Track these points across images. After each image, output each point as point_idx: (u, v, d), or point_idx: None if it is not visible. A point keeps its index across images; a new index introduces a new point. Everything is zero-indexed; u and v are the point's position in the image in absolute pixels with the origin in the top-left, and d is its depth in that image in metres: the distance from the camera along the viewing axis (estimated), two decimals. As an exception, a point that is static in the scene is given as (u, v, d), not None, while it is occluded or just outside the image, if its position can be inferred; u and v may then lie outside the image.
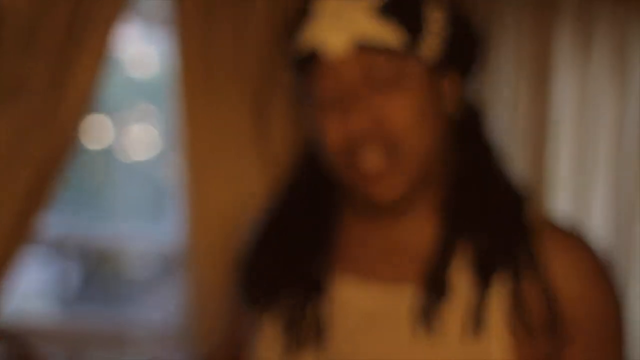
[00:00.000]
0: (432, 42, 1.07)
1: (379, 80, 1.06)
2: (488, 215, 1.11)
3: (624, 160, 2.39)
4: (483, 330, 1.02)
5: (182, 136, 2.05)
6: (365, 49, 1.05)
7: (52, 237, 2.28)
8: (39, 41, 1.88)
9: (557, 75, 2.39)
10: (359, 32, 1.04)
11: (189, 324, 2.11)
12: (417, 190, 1.12)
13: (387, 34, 1.04)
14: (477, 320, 1.02)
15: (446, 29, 1.09)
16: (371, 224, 1.18)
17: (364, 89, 1.07)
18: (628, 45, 2.42)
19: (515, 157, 2.26)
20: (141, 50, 2.49)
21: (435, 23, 1.08)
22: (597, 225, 2.38)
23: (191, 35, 2.03)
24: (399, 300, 1.08)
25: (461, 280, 1.07)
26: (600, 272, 1.10)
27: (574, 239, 1.12)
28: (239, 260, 1.29)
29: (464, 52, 1.14)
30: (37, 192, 1.88)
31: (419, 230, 1.14)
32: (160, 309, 2.39)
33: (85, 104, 1.93)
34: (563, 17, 2.40)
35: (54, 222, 2.18)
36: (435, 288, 1.06)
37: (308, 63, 1.10)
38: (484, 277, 1.05)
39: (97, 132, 2.45)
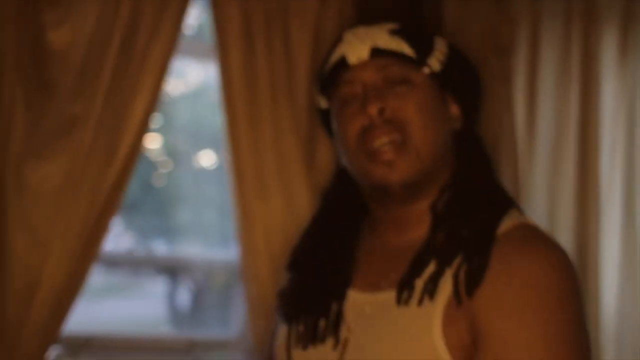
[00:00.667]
0: (436, 61, 1.23)
1: (392, 79, 1.27)
2: (464, 215, 1.24)
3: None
4: (434, 297, 1.18)
5: (232, 161, 2.16)
6: (380, 55, 1.27)
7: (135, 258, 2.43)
8: (91, 81, 2.01)
9: (604, 80, 2.43)
10: (376, 42, 1.27)
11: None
12: (422, 186, 1.27)
13: (397, 45, 1.27)
14: (431, 290, 1.17)
15: (448, 57, 1.32)
16: (377, 241, 1.36)
17: (380, 84, 1.27)
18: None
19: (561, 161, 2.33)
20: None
21: (439, 50, 1.31)
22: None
23: (234, 66, 2.15)
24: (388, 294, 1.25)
25: (431, 266, 1.22)
26: (540, 279, 1.16)
27: (531, 244, 1.21)
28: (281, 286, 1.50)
29: (461, 81, 1.32)
30: (98, 222, 2.01)
31: (414, 236, 1.28)
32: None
33: (140, 137, 2.07)
34: (608, 22, 2.44)
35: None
36: (413, 270, 1.22)
37: (336, 72, 1.31)
38: (443, 262, 1.20)
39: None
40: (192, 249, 2.65)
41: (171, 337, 2.39)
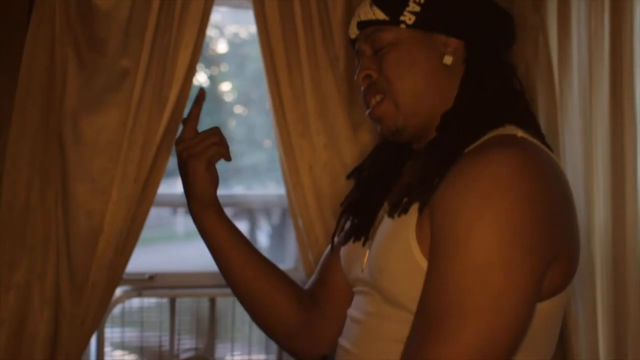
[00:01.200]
0: (409, 15, 1.39)
1: (378, 46, 1.39)
2: (447, 139, 1.34)
3: None
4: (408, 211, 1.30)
5: (273, 103, 2.28)
6: (364, 27, 1.41)
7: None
8: (136, 37, 2.13)
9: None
10: (360, 16, 1.42)
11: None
12: (421, 125, 1.39)
13: (373, 14, 1.41)
14: (405, 203, 1.31)
15: (423, 4, 1.39)
16: (408, 168, 1.49)
17: (370, 52, 1.41)
18: None
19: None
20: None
21: (414, 2, 1.39)
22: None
23: (270, 13, 2.26)
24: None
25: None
26: (485, 175, 1.20)
27: (489, 149, 1.25)
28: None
29: (446, 14, 1.40)
30: (154, 167, 2.16)
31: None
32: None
33: (186, 85, 2.20)
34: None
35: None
36: (403, 189, 1.35)
37: (352, 45, 1.48)
38: (420, 177, 1.31)
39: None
40: (268, 190, 2.79)
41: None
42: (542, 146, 1.30)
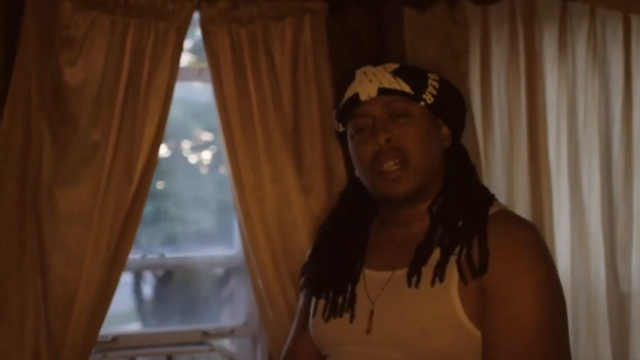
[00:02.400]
0: (429, 95, 1.60)
1: (395, 113, 1.57)
2: (458, 212, 1.56)
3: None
4: (445, 278, 1.48)
5: (231, 171, 2.44)
6: (385, 93, 1.58)
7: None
8: (106, 111, 2.27)
9: (547, 73, 2.77)
10: (382, 83, 1.58)
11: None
12: (421, 194, 1.58)
13: (399, 85, 1.58)
14: (439, 272, 1.48)
15: (438, 90, 1.61)
16: (386, 234, 1.66)
17: (386, 117, 1.58)
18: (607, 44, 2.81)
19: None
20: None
21: (432, 84, 1.61)
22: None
23: (227, 88, 2.44)
24: (400, 275, 1.55)
25: (435, 254, 1.53)
26: (525, 248, 1.48)
27: (513, 225, 1.52)
28: (304, 263, 1.78)
29: (450, 107, 1.64)
30: (124, 233, 2.28)
31: (416, 230, 1.60)
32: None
33: (152, 155, 2.33)
34: (547, 22, 2.78)
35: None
36: (418, 256, 1.53)
37: (350, 105, 1.62)
38: (446, 247, 1.51)
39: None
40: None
41: (185, 330, 2.65)
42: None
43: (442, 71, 2.63)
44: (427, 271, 1.50)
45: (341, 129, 1.70)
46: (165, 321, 2.86)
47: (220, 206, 2.89)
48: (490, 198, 1.60)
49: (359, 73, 1.63)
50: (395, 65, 1.61)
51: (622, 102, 2.81)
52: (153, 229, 2.88)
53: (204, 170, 3.03)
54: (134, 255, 2.57)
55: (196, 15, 2.43)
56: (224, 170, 2.61)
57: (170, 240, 2.86)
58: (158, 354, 2.57)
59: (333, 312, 1.61)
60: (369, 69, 1.62)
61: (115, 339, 2.49)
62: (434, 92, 1.59)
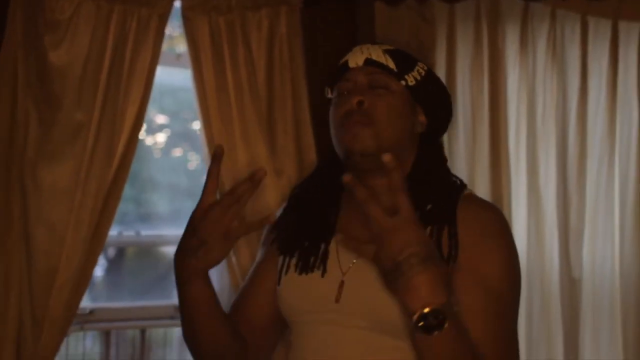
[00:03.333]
0: (412, 78, 1.69)
1: (376, 84, 1.66)
2: (426, 196, 1.64)
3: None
4: None
5: (208, 149, 2.55)
6: (371, 64, 1.67)
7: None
8: (89, 92, 2.36)
9: (509, 69, 2.92)
10: (370, 55, 1.68)
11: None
12: (383, 170, 1.51)
13: (385, 60, 1.67)
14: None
15: (423, 78, 1.70)
16: (357, 203, 1.64)
17: (366, 85, 1.67)
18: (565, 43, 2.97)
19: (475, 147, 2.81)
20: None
21: (418, 71, 1.70)
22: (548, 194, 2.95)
23: (205, 72, 2.54)
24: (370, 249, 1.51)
25: None
26: (493, 228, 1.61)
27: (481, 207, 1.65)
28: (276, 220, 1.78)
29: (430, 98, 1.73)
30: (105, 212, 2.37)
31: None
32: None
33: (133, 137, 2.43)
34: (510, 21, 2.93)
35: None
36: None
37: (340, 71, 1.71)
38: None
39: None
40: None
41: (158, 304, 2.76)
42: None
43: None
44: None
45: (329, 94, 1.78)
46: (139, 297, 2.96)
47: (174, 189, 3.00)
48: (462, 186, 1.70)
49: (357, 47, 1.73)
50: (390, 47, 1.72)
51: (578, 98, 2.98)
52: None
53: (157, 154, 3.12)
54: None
55: (177, 4, 2.53)
56: (178, 153, 2.72)
57: (127, 222, 2.93)
58: (132, 327, 2.68)
59: (305, 268, 1.65)
60: (366, 44, 1.73)
61: (92, 311, 2.59)
62: (417, 77, 1.68)
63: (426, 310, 1.32)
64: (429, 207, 1.61)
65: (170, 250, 2.84)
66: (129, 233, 2.78)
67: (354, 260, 1.61)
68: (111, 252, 2.97)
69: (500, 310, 1.53)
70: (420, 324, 1.32)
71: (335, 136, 1.68)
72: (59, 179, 2.32)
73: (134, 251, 3.01)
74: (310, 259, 1.66)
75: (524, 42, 2.91)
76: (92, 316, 2.59)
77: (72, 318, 2.34)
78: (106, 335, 2.64)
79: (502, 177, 2.85)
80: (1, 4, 2.30)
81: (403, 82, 1.67)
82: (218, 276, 2.78)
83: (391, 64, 1.67)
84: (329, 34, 2.82)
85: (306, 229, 1.71)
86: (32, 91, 2.32)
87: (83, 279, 2.35)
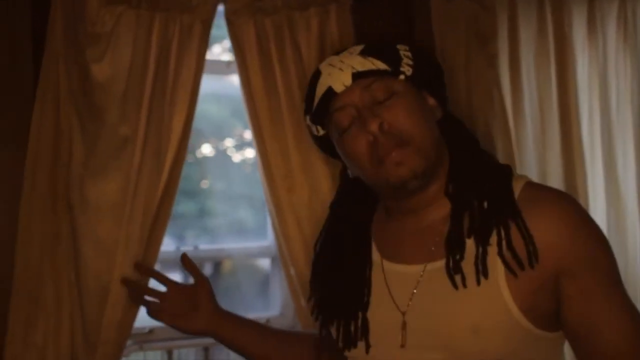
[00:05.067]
0: (407, 66, 1.49)
1: (378, 95, 1.46)
2: (480, 192, 1.45)
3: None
4: (488, 273, 1.37)
5: (261, 162, 2.45)
6: (361, 77, 1.46)
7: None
8: (133, 105, 2.28)
9: (577, 55, 2.74)
10: (354, 67, 1.46)
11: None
12: (430, 179, 1.47)
13: (372, 64, 1.46)
14: (482, 268, 1.37)
15: (413, 59, 1.51)
16: (396, 224, 1.56)
17: (369, 103, 1.46)
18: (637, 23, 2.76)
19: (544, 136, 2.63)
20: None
21: (405, 55, 1.50)
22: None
23: (254, 79, 2.44)
24: (433, 271, 1.44)
25: (469, 244, 1.42)
26: (575, 222, 1.40)
27: (548, 202, 1.41)
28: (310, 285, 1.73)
29: (429, 75, 1.54)
30: (155, 227, 2.29)
31: (433, 217, 1.50)
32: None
33: (181, 148, 2.34)
34: (576, 3, 2.75)
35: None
36: (454, 252, 1.41)
37: (325, 101, 1.49)
38: (481, 238, 1.39)
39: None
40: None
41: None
42: None
43: (470, 55, 2.62)
44: (466, 266, 1.39)
45: (321, 132, 1.59)
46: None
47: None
48: (508, 171, 1.50)
49: (324, 66, 1.53)
50: (360, 47, 1.52)
51: (655, 81, 2.77)
52: (198, 228, 2.90)
53: (247, 169, 3.03)
54: (167, 249, 2.60)
55: (221, 8, 2.45)
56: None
57: (215, 238, 2.86)
58: (194, 345, 2.59)
59: (347, 343, 1.52)
60: (332, 58, 1.53)
61: (151, 330, 2.51)
62: (410, 62, 1.49)
63: None
64: (485, 204, 1.43)
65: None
66: (187, 248, 2.69)
67: (414, 290, 1.45)
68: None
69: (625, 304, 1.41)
70: None
71: (371, 174, 1.49)
72: (105, 194, 2.25)
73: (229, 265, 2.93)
74: (351, 330, 1.52)
75: (592, 24, 2.73)
76: (151, 335, 2.51)
77: (126, 338, 2.26)
78: (169, 355, 2.56)
79: (576, 169, 2.66)
80: (41, 17, 2.25)
81: (402, 76, 1.48)
82: (280, 289, 2.70)
83: (381, 65, 1.47)
84: (383, 31, 2.70)
85: (339, 293, 1.56)
86: (75, 106, 2.25)
87: (136, 298, 2.27)
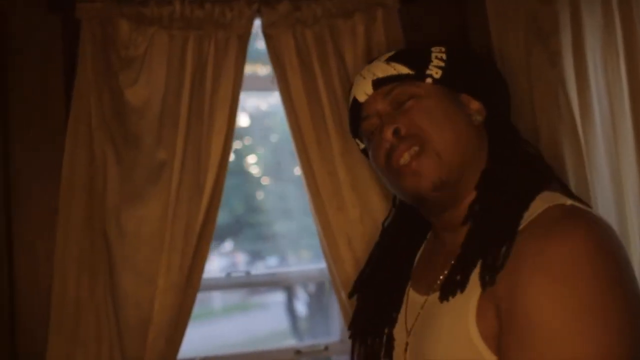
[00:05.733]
0: (435, 69, 1.40)
1: (399, 100, 1.39)
2: (492, 216, 1.29)
3: None
4: (465, 291, 1.24)
5: (306, 180, 2.32)
6: (381, 84, 1.41)
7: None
8: (170, 128, 2.20)
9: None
10: (375, 74, 1.41)
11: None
12: (457, 185, 1.35)
13: (394, 69, 1.40)
14: (461, 283, 1.25)
15: (447, 62, 1.42)
16: (432, 245, 1.50)
17: (390, 109, 1.40)
18: None
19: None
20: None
21: (437, 58, 1.42)
22: None
23: (295, 92, 2.32)
24: (432, 298, 1.36)
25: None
26: (561, 253, 1.13)
27: (559, 223, 1.19)
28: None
29: (468, 78, 1.43)
30: (197, 253, 2.20)
31: (459, 239, 1.36)
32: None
33: (221, 169, 2.24)
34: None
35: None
36: (447, 290, 1.29)
37: (354, 112, 1.47)
38: (471, 260, 1.26)
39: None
40: (303, 260, 2.82)
41: (276, 349, 2.55)
42: (588, 208, 1.25)
43: (531, 54, 2.43)
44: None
45: (361, 145, 1.55)
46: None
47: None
48: (539, 184, 1.33)
49: (355, 77, 1.50)
50: (391, 53, 1.46)
51: None
52: (260, 245, 2.83)
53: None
54: (219, 274, 2.52)
55: (257, 22, 2.34)
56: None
57: (283, 260, 2.78)
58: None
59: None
60: (364, 67, 1.48)
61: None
62: (442, 64, 1.40)
63: None
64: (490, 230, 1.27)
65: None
66: (238, 274, 2.58)
67: (420, 311, 1.38)
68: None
69: None
70: None
71: (390, 182, 1.43)
72: (143, 222, 2.17)
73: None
74: (376, 347, 1.49)
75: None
76: (204, 364, 2.42)
77: (168, 371, 2.18)
78: (222, 385, 2.46)
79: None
80: (71, 42, 2.19)
81: (429, 80, 1.39)
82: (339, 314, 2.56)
83: (403, 69, 1.40)
84: (435, 34, 2.54)
85: (373, 313, 1.54)
86: (109, 132, 2.19)
87: (179, 328, 2.18)
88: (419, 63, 1.40)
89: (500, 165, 1.37)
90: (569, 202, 1.27)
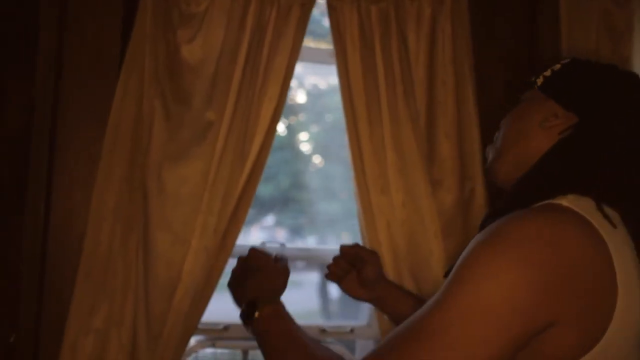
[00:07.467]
0: (541, 77, 1.49)
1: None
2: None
3: None
4: None
5: (354, 159, 2.27)
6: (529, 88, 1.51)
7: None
8: (222, 90, 2.16)
9: None
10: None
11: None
12: (507, 178, 1.44)
13: (529, 78, 1.52)
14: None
15: (559, 70, 1.46)
16: None
17: None
18: None
19: None
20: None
21: (552, 68, 1.48)
22: None
23: (353, 69, 2.27)
24: None
25: None
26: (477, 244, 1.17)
27: (502, 220, 1.20)
28: None
29: (568, 87, 1.42)
30: (234, 218, 2.17)
31: None
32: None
33: (267, 139, 2.21)
34: None
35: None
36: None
37: None
38: None
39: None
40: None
41: (302, 325, 2.48)
42: (588, 216, 1.20)
43: (601, 56, 2.35)
44: None
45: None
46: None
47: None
48: (558, 188, 1.28)
49: None
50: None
51: None
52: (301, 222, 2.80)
53: None
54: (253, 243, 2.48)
55: (323, -8, 2.29)
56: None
57: (322, 241, 2.74)
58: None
59: None
60: None
61: (227, 327, 2.39)
62: (548, 74, 1.47)
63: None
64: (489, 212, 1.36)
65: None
66: (273, 244, 2.54)
67: None
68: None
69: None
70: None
71: None
72: (184, 182, 2.15)
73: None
74: None
75: None
76: (226, 332, 2.39)
77: (191, 333, 2.15)
78: (244, 355, 2.43)
79: None
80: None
81: (535, 87, 1.48)
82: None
83: (531, 78, 1.51)
84: (502, 30, 2.47)
85: None
86: (160, 87, 2.17)
87: (206, 291, 2.16)
88: (539, 71, 1.51)
89: (535, 169, 1.37)
90: (565, 203, 1.24)
